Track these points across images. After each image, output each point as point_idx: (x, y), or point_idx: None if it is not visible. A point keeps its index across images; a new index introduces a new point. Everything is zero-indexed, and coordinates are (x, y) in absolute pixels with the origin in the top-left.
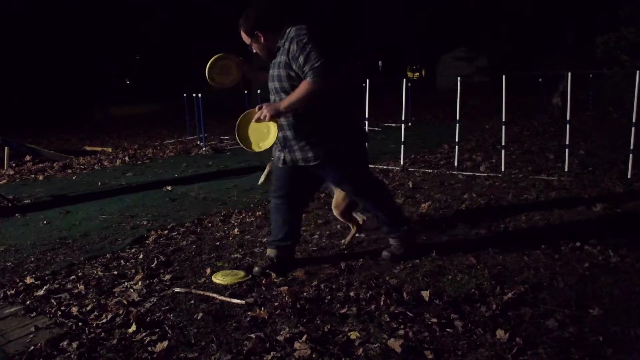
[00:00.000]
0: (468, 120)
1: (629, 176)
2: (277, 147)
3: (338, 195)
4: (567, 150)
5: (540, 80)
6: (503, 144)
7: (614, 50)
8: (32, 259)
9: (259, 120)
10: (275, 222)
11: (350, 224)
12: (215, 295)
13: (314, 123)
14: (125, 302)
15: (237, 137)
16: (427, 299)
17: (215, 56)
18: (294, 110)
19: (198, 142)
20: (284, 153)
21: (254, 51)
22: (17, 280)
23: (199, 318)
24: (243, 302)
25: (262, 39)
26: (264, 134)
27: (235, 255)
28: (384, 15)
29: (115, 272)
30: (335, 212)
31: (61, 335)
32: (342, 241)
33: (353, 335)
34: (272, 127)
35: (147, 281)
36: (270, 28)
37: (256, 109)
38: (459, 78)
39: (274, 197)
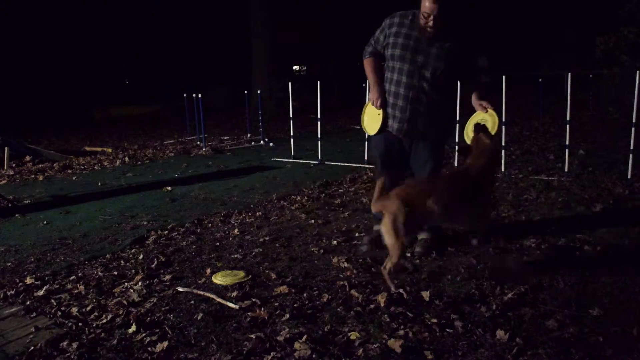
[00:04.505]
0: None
1: (629, 176)
2: None
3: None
4: (567, 150)
5: (540, 80)
6: (503, 144)
7: (614, 50)
8: (32, 260)
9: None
10: None
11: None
12: (213, 296)
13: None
14: (125, 302)
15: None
16: (427, 299)
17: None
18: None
19: (198, 143)
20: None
21: (429, 20)
22: (17, 281)
23: (199, 318)
24: (237, 306)
25: (441, 19)
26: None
27: (236, 256)
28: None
29: (115, 273)
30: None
31: (61, 336)
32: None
33: (353, 335)
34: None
35: (147, 281)
36: (451, 15)
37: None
38: None
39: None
